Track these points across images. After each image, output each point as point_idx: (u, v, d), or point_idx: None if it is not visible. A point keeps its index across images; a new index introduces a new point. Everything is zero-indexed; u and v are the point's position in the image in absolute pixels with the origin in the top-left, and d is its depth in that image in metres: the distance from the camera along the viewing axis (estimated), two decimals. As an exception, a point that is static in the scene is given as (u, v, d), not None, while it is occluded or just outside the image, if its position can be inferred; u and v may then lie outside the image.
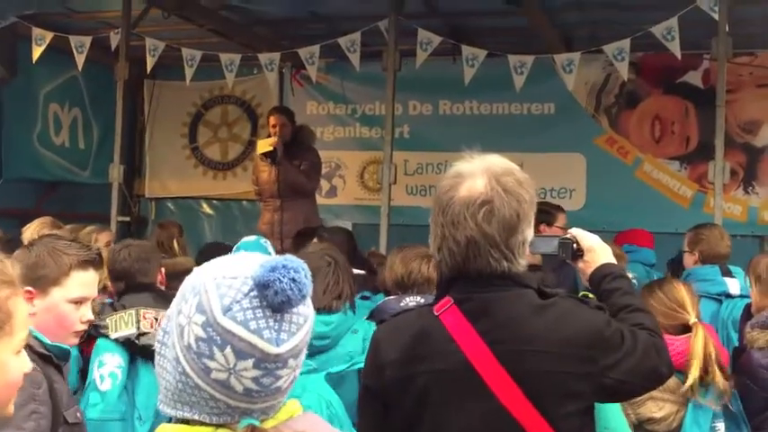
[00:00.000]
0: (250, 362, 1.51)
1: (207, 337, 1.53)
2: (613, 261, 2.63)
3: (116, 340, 4.13)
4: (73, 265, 2.86)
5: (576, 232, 2.69)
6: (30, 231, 5.67)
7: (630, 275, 3.08)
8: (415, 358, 2.26)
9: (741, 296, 5.04)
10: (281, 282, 1.50)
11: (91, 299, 2.95)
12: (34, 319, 2.77)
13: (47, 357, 2.73)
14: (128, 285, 4.39)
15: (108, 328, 4.14)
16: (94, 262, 2.96)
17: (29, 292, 2.79)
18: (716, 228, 5.61)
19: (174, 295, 1.64)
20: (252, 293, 1.53)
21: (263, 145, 7.87)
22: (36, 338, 2.72)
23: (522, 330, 2.22)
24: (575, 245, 2.66)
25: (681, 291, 3.65)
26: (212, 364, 1.53)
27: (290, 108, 8.74)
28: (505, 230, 2.21)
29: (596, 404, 2.40)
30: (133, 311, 4.17)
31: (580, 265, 2.67)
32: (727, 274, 5.23)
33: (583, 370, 2.20)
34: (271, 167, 7.78)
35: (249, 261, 1.58)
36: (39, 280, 2.82)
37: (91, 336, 4.16)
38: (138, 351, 4.14)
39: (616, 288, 2.52)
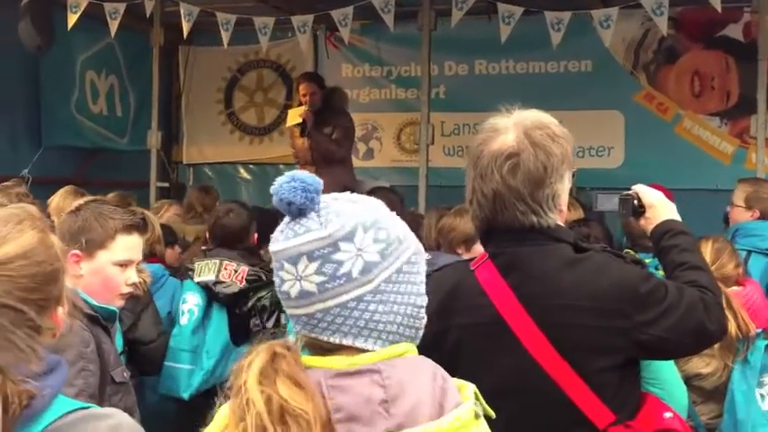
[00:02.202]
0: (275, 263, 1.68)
1: None
2: (677, 218, 2.57)
3: (198, 283, 4.73)
4: (118, 228, 2.95)
5: (639, 188, 2.65)
6: (55, 201, 5.76)
7: None
8: (450, 312, 2.27)
9: (792, 252, 5.00)
10: (281, 187, 1.66)
11: (136, 262, 3.04)
12: (81, 282, 2.86)
13: (94, 318, 2.80)
14: (223, 244, 4.93)
15: (194, 271, 4.76)
16: (139, 226, 3.06)
17: (76, 255, 2.87)
18: None
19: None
20: None
21: (293, 116, 7.87)
22: (83, 300, 2.79)
23: (553, 284, 2.22)
24: (635, 201, 2.62)
25: (705, 249, 3.61)
26: None
27: (323, 72, 8.71)
28: (531, 184, 2.21)
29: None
30: (218, 261, 4.75)
31: (642, 221, 2.63)
32: (778, 229, 5.18)
33: (615, 325, 2.18)
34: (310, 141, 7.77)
35: None
36: (85, 243, 2.89)
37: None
38: (213, 296, 4.73)
39: (675, 245, 2.48)
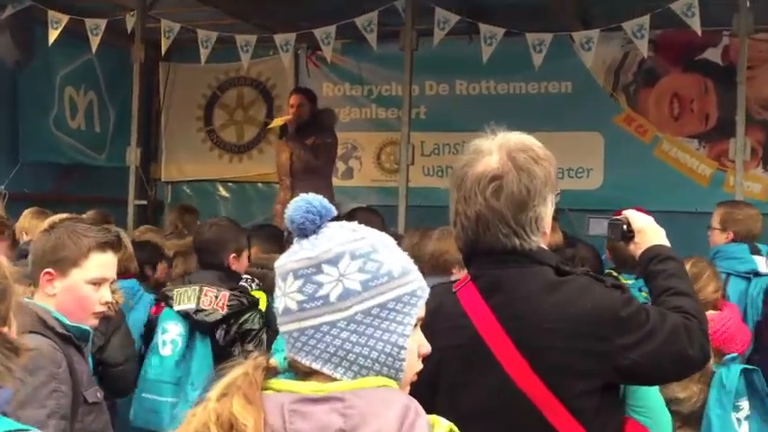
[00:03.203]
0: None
1: None
2: (665, 243, 2.58)
3: (178, 312, 4.52)
4: (92, 246, 2.92)
5: (629, 213, 2.65)
6: (20, 222, 5.73)
7: None
8: (431, 333, 2.25)
9: (770, 274, 5.04)
10: (290, 206, 1.69)
11: (110, 280, 3.01)
12: (55, 301, 2.83)
13: (67, 338, 2.76)
14: (199, 260, 4.85)
15: (173, 300, 4.55)
16: (113, 244, 3.03)
17: (49, 273, 2.84)
18: (751, 208, 5.59)
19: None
20: None
21: (277, 121, 7.98)
22: (56, 319, 2.75)
23: (533, 307, 2.21)
24: (625, 226, 2.62)
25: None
26: None
27: (310, 90, 8.72)
28: (514, 206, 2.21)
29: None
30: (197, 288, 4.54)
31: (631, 246, 2.63)
32: (756, 252, 5.20)
33: (593, 348, 2.17)
34: (289, 149, 7.79)
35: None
36: (59, 262, 2.87)
37: (158, 300, 4.74)
38: (195, 324, 4.53)
39: (662, 270, 2.47)
